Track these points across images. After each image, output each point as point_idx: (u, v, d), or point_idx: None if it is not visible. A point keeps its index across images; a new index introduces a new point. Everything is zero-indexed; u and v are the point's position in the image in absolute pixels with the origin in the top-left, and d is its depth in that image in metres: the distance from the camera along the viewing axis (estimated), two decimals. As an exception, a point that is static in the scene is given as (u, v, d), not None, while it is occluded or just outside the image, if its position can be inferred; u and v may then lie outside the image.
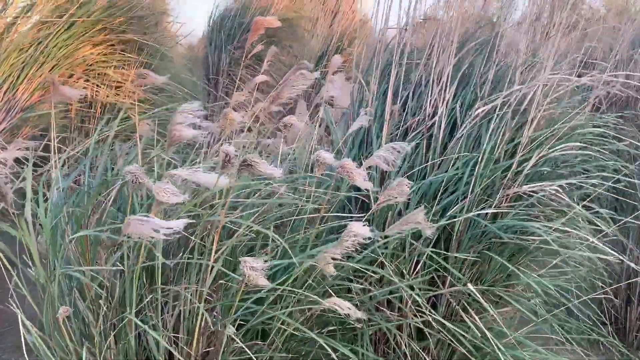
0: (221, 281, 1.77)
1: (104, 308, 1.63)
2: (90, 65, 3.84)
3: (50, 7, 3.48)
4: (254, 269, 1.42)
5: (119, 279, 1.68)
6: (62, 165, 2.00)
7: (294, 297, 1.79)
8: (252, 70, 5.34)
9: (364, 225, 1.55)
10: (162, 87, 3.97)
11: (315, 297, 1.67)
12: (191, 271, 1.72)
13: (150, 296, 1.67)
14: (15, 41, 3.32)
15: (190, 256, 1.72)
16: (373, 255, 2.06)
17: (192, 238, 1.70)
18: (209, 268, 1.68)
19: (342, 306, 1.50)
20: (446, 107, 2.40)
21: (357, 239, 1.50)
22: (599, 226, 2.33)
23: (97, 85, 3.88)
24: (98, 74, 3.89)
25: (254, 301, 1.73)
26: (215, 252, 1.69)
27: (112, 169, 1.96)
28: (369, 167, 1.85)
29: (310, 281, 1.79)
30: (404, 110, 2.53)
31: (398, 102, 2.50)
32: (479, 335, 2.18)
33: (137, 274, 1.59)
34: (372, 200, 2.17)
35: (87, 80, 3.83)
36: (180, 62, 5.22)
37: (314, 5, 6.75)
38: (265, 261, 1.45)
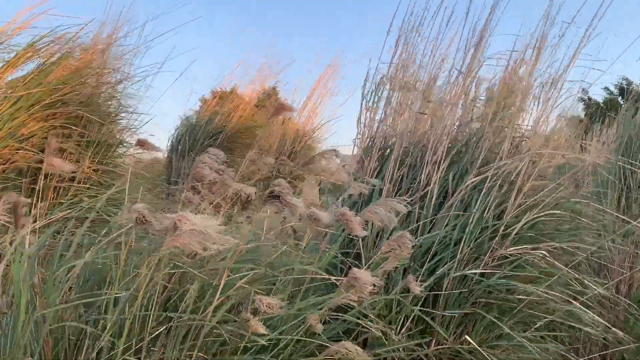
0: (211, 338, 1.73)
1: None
2: (44, 139, 3.60)
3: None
4: (270, 305, 1.51)
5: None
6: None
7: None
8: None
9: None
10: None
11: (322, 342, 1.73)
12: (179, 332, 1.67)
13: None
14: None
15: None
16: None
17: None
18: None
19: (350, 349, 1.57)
20: (440, 176, 2.58)
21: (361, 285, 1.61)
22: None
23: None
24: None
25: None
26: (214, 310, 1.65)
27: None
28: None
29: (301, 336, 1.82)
30: (398, 188, 2.72)
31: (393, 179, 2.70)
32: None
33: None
34: (365, 260, 2.30)
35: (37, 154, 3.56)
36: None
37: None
38: (282, 299, 1.54)
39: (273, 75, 7.79)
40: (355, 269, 1.69)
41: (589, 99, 10.05)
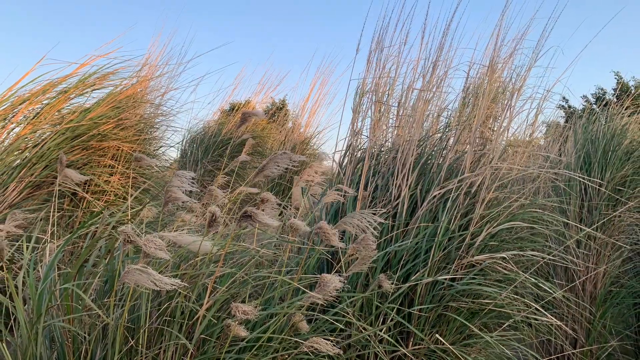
0: (203, 336, 1.92)
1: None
2: (79, 168, 4.09)
3: (51, 117, 3.85)
4: (246, 313, 1.68)
5: (101, 341, 1.82)
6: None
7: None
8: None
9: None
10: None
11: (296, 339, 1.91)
12: (173, 326, 1.87)
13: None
14: (15, 144, 3.64)
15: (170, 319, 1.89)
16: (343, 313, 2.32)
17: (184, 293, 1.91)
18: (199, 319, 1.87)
19: (321, 344, 1.75)
20: (408, 189, 2.77)
21: (331, 287, 1.79)
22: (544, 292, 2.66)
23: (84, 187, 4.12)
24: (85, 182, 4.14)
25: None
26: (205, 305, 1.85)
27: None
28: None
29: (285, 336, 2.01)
30: (373, 196, 2.90)
31: (369, 189, 2.88)
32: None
33: (120, 332, 1.72)
34: (344, 264, 2.48)
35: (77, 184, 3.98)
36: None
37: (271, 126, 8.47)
38: (255, 306, 1.72)
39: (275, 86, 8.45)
40: (324, 274, 1.87)
41: (569, 106, 10.48)
